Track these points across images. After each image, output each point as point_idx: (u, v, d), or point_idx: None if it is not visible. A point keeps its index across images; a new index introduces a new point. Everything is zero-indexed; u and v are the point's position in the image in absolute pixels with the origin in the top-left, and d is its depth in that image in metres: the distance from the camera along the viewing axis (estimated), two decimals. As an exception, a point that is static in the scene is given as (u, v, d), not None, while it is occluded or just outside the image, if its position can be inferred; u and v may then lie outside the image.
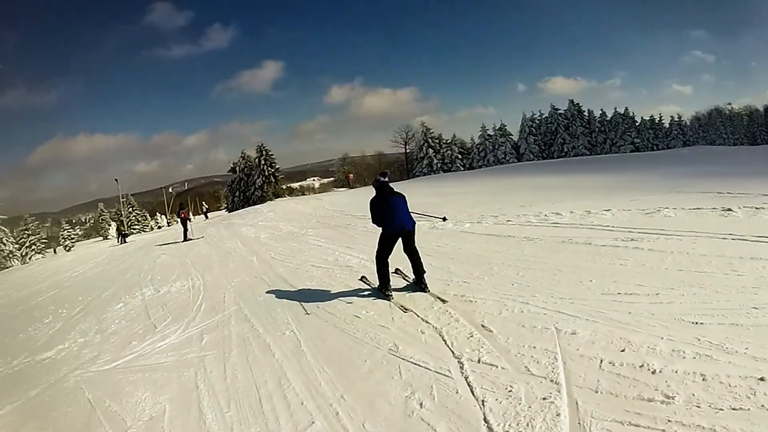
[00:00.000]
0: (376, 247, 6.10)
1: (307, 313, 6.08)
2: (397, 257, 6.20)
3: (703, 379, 3.20)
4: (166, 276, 10.89)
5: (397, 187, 6.27)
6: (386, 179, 5.99)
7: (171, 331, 6.55)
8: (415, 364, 4.25)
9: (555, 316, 4.63)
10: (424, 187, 24.65)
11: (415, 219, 6.13)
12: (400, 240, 6.00)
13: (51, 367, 6.27)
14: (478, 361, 4.06)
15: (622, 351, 3.75)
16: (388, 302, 5.88)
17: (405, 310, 5.55)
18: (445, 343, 4.56)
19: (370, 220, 6.12)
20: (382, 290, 6.08)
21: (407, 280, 6.52)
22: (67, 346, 6.89)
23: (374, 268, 6.28)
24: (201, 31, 67.02)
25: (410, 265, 6.12)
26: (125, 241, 28.18)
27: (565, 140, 44.07)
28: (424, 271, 6.07)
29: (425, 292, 5.98)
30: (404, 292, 6.18)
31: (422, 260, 6.07)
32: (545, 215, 9.94)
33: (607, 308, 4.59)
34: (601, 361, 3.66)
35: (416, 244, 6.13)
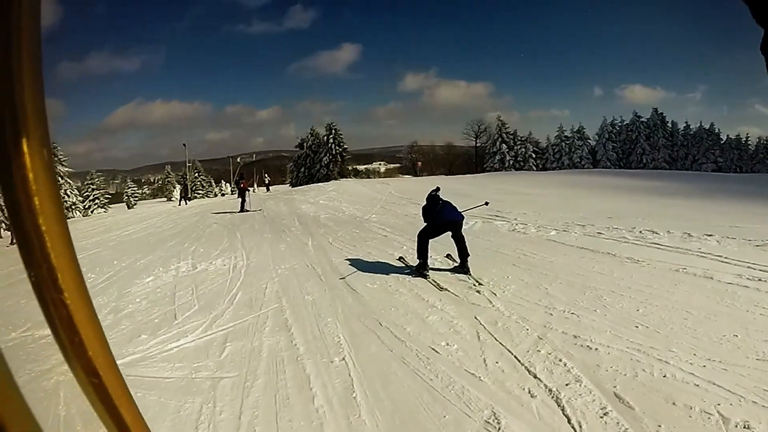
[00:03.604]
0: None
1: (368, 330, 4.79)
2: (446, 244, 6.84)
3: None
4: (210, 250, 9.67)
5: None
6: (438, 193, 6.81)
7: (190, 328, 5.12)
8: (532, 461, 2.81)
9: (711, 390, 3.19)
10: (495, 183, 22.44)
11: (474, 214, 7.15)
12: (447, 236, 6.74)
13: (43, 351, 4.97)
14: (628, 468, 2.55)
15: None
16: (475, 331, 4.55)
17: (441, 289, 5.86)
18: (569, 421, 3.00)
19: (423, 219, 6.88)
20: (420, 269, 6.59)
21: (455, 263, 6.87)
22: (71, 326, 5.62)
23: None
24: (283, 10, 68.19)
25: (456, 250, 6.66)
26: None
27: (645, 150, 39.96)
28: (468, 255, 6.58)
29: (467, 274, 6.40)
30: (448, 273, 6.56)
31: (467, 245, 6.62)
32: (640, 232, 8.70)
33: (775, 386, 3.18)
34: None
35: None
